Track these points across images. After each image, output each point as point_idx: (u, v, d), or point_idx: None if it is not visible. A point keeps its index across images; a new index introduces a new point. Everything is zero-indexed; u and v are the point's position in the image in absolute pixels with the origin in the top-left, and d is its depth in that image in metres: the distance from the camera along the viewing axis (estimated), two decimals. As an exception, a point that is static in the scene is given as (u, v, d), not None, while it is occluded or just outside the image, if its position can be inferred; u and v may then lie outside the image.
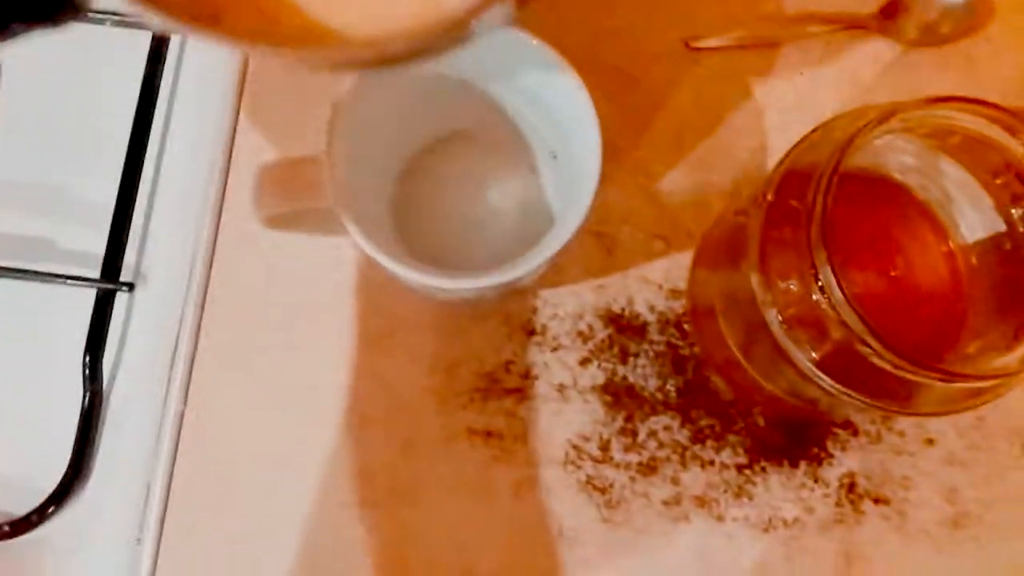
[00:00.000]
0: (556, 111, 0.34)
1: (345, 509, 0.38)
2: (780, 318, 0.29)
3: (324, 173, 0.31)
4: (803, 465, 0.39)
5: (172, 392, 0.39)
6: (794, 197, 0.29)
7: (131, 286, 0.41)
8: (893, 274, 0.35)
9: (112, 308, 0.41)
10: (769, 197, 0.29)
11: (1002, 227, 0.32)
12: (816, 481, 0.39)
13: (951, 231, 0.34)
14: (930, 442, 0.40)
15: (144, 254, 0.42)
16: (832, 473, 0.39)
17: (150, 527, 0.38)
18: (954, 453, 0.40)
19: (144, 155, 0.42)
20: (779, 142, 0.42)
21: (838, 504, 0.39)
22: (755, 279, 0.29)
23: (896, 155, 0.33)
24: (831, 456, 0.39)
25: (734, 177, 0.41)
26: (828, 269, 0.26)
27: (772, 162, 0.41)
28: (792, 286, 0.28)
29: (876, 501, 0.39)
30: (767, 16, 0.43)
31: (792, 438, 0.39)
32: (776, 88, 0.42)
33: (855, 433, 0.40)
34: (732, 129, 0.42)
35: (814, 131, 0.30)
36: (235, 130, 0.42)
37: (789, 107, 0.42)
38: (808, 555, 0.38)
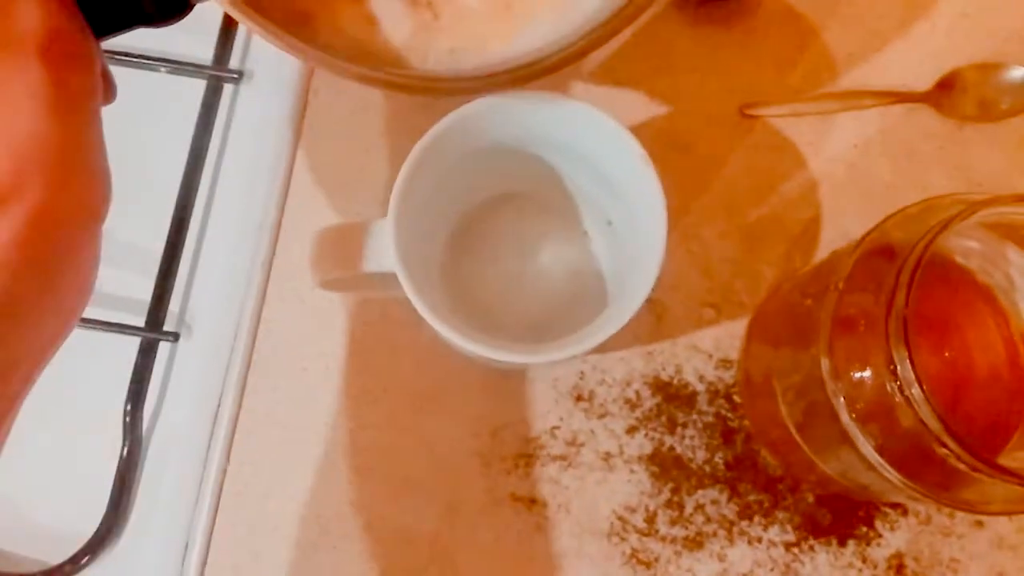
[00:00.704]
0: (616, 180, 0.34)
1: (385, 574, 0.38)
2: (848, 406, 0.28)
3: (386, 239, 0.31)
4: (851, 544, 0.39)
5: (215, 447, 0.39)
6: (869, 283, 0.28)
7: (176, 336, 0.41)
8: (948, 356, 0.34)
9: (155, 358, 0.41)
10: (840, 286, 0.28)
11: (1068, 317, 0.31)
12: (864, 561, 0.38)
13: (1012, 318, 0.34)
14: (980, 524, 0.39)
15: (189, 305, 0.42)
16: (880, 553, 0.39)
17: (187, 584, 0.38)
18: (1003, 537, 0.39)
19: (193, 205, 0.42)
20: (832, 214, 0.41)
21: (886, 585, 0.38)
22: (825, 365, 0.29)
23: (959, 239, 0.33)
24: (880, 536, 0.39)
25: (787, 248, 0.41)
26: (908, 365, 0.25)
27: (825, 234, 0.41)
28: (864, 375, 0.28)
29: (925, 584, 0.38)
30: (824, 88, 0.43)
31: (841, 516, 0.39)
32: (829, 160, 0.42)
33: (904, 513, 0.39)
34: (784, 199, 0.42)
35: (886, 220, 0.30)
36: (288, 187, 0.41)
37: (842, 179, 0.42)
38: (855, 638, 0.38)
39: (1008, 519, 0.39)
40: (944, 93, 0.42)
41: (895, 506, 0.39)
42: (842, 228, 0.41)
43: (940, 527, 0.39)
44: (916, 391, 0.25)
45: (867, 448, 0.28)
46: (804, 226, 0.41)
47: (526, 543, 0.38)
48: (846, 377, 0.29)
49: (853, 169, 0.42)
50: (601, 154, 0.34)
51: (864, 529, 0.39)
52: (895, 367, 0.26)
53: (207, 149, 0.43)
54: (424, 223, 0.35)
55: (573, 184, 0.38)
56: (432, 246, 0.38)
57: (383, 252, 0.31)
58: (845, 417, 0.28)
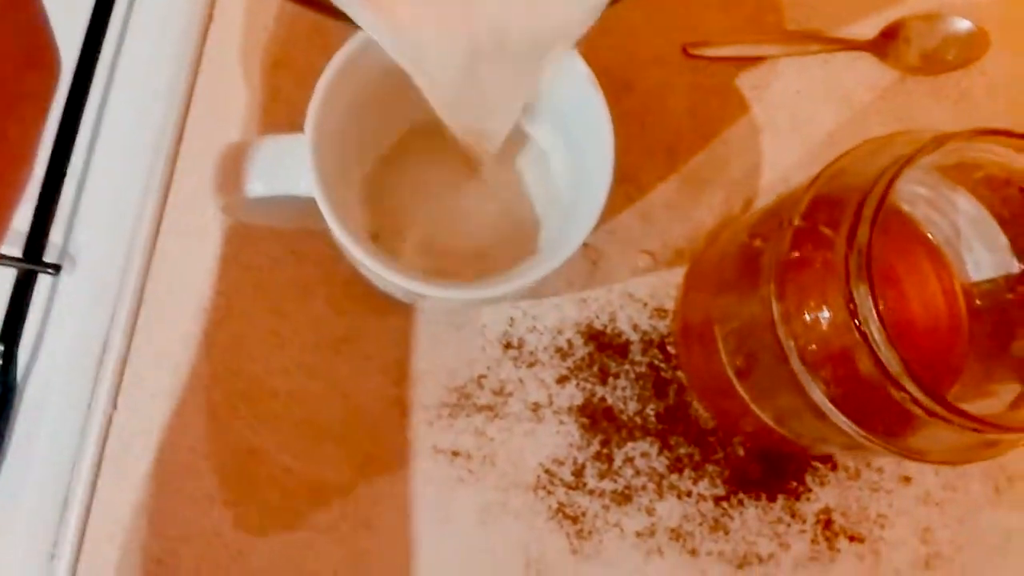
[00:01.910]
0: (556, 105, 0.31)
1: (293, 533, 0.34)
2: (799, 349, 0.27)
3: (303, 157, 0.27)
4: (780, 499, 0.38)
5: (99, 392, 0.35)
6: (823, 223, 0.27)
7: (57, 268, 0.36)
8: (888, 306, 0.33)
9: (33, 292, 0.36)
10: (796, 222, 0.27)
11: (1015, 268, 0.31)
12: (793, 516, 0.38)
13: (955, 269, 0.33)
14: (907, 480, 0.39)
15: (73, 235, 0.37)
16: (809, 508, 0.38)
17: (67, 542, 0.34)
18: (930, 492, 0.39)
19: (80, 121, 0.37)
20: (773, 161, 0.40)
21: (813, 541, 0.38)
22: (775, 307, 0.27)
23: (908, 185, 0.32)
24: (809, 490, 0.38)
25: (727, 195, 0.39)
26: (869, 302, 0.24)
27: (765, 181, 0.40)
28: (817, 316, 0.26)
29: (851, 539, 0.38)
30: (768, 30, 0.41)
31: (771, 470, 0.38)
32: (772, 105, 0.40)
33: (834, 468, 0.38)
34: (726, 144, 0.40)
35: (843, 156, 0.28)
36: (188, 106, 0.37)
37: (784, 126, 0.40)
38: (783, 593, 0.37)
39: (935, 474, 0.39)
40: (888, 42, 0.41)
41: (824, 461, 0.38)
42: (783, 175, 0.40)
43: (868, 482, 0.38)
44: (876, 329, 0.24)
45: (816, 393, 0.27)
46: (745, 172, 0.40)
47: (448, 497, 0.36)
48: (798, 319, 0.27)
49: (795, 116, 0.41)
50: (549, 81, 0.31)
51: (794, 484, 0.38)
52: (854, 305, 0.24)
53: (97, 57, 0.38)
54: (344, 147, 0.31)
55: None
56: (352, 174, 0.35)
57: (300, 172, 0.27)
58: (795, 362, 0.27)
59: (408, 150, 0.35)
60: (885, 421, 0.27)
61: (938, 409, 0.24)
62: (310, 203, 0.29)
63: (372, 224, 0.34)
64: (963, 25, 0.40)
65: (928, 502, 0.38)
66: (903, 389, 0.24)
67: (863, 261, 0.24)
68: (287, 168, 0.28)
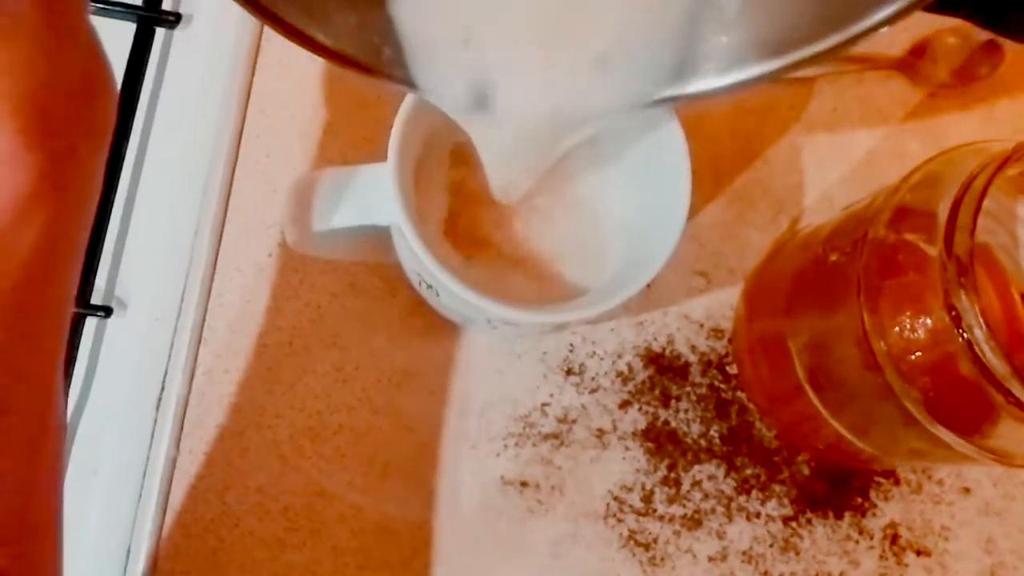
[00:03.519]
0: (639, 143, 0.31)
1: (364, 573, 0.33)
2: (891, 360, 0.27)
3: (385, 186, 0.27)
4: (847, 516, 0.37)
5: (159, 436, 0.34)
6: (909, 233, 0.27)
7: (107, 311, 0.35)
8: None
9: (80, 336, 0.35)
10: (881, 234, 0.27)
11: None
12: (860, 533, 0.37)
13: (1013, 276, 0.34)
14: (967, 491, 0.39)
15: (120, 277, 0.36)
16: (875, 524, 0.38)
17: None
18: (990, 503, 0.39)
19: (121, 165, 0.37)
20: (816, 179, 0.40)
21: (882, 557, 0.37)
22: (867, 319, 0.27)
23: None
24: (874, 506, 0.38)
25: (773, 214, 0.40)
26: (975, 310, 0.24)
27: (810, 199, 0.40)
28: (912, 326, 0.26)
29: (918, 553, 0.38)
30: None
31: (836, 488, 0.38)
32: (809, 125, 0.41)
33: (896, 482, 0.38)
34: (768, 164, 0.40)
35: (920, 168, 0.28)
36: (238, 144, 0.37)
37: (823, 145, 0.41)
38: (856, 612, 0.36)
39: (993, 485, 0.39)
40: (916, 60, 0.42)
41: (887, 475, 0.38)
42: (826, 192, 0.40)
43: (930, 495, 0.38)
44: (982, 335, 0.24)
45: (911, 401, 0.27)
46: (789, 191, 0.40)
47: (518, 529, 0.35)
48: (890, 330, 0.27)
49: (832, 135, 0.41)
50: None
51: (859, 500, 0.38)
52: (957, 312, 0.24)
53: (137, 101, 0.38)
54: (420, 174, 0.31)
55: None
56: (426, 203, 0.34)
57: (383, 201, 0.27)
58: (890, 372, 0.27)
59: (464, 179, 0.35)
60: (973, 426, 0.28)
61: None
62: (384, 233, 0.29)
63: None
64: (983, 38, 0.42)
65: (989, 512, 0.39)
66: (1008, 393, 0.24)
67: (963, 268, 0.24)
68: (369, 197, 0.27)
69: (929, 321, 0.26)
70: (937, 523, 0.38)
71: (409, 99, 0.28)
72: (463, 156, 0.32)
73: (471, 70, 0.22)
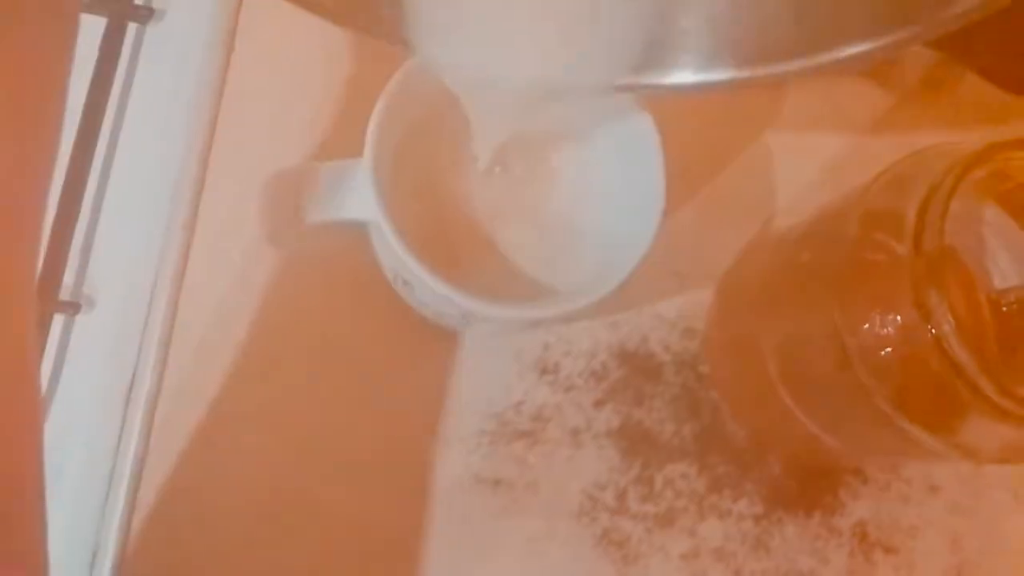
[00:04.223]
0: (613, 140, 0.32)
1: (337, 566, 0.33)
2: (861, 356, 0.27)
3: (363, 181, 0.27)
4: (817, 514, 0.38)
5: (128, 435, 0.33)
6: (880, 232, 0.27)
7: (75, 307, 0.35)
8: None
9: (47, 333, 0.35)
10: (852, 233, 0.27)
11: (1045, 275, 0.32)
12: (830, 531, 0.38)
13: (977, 278, 0.34)
14: (935, 489, 0.39)
15: (88, 274, 0.36)
16: (845, 522, 0.38)
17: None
18: (957, 502, 0.39)
19: (91, 161, 0.36)
20: (788, 181, 0.41)
21: (851, 555, 0.38)
22: (839, 317, 0.27)
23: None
24: (843, 504, 0.38)
25: (746, 215, 0.40)
26: (944, 307, 0.24)
27: (782, 201, 0.41)
28: (882, 323, 0.27)
29: (886, 551, 0.38)
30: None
31: (806, 486, 0.38)
32: (781, 127, 0.42)
33: (865, 481, 0.39)
34: (740, 166, 0.41)
35: (889, 169, 0.29)
36: (211, 137, 0.36)
37: (793, 149, 0.41)
38: (826, 610, 0.37)
39: (960, 483, 0.39)
40: (886, 65, 0.43)
41: (856, 473, 0.39)
42: (799, 195, 0.41)
43: (899, 494, 0.39)
44: (951, 331, 0.24)
45: (880, 398, 0.27)
46: (761, 192, 0.41)
47: (493, 527, 0.35)
48: (860, 327, 0.27)
49: (804, 137, 0.42)
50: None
51: (828, 498, 0.38)
52: (926, 309, 0.25)
53: (107, 98, 0.37)
54: (397, 170, 0.31)
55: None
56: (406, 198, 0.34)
57: (361, 196, 0.27)
58: (860, 369, 0.27)
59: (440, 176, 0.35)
60: (942, 423, 0.28)
61: (1010, 406, 0.24)
62: (360, 229, 0.29)
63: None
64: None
65: (956, 511, 0.39)
66: (977, 388, 0.25)
67: (932, 265, 0.25)
68: (346, 192, 0.27)
69: (899, 318, 0.26)
70: (905, 521, 0.39)
71: (386, 94, 0.28)
72: (441, 154, 0.32)
73: (466, 42, 0.22)
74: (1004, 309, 0.34)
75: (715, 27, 0.23)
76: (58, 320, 0.35)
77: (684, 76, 0.23)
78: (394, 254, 0.27)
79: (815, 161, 0.42)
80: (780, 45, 0.22)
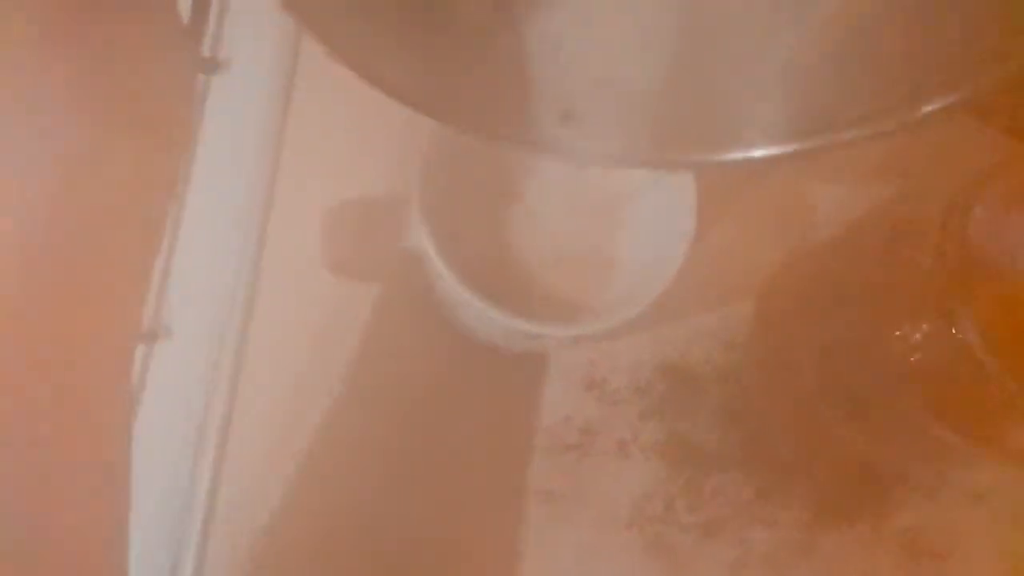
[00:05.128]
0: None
1: (397, 572, 0.35)
2: (897, 364, 0.28)
3: (414, 213, 0.29)
4: (864, 522, 0.39)
5: (202, 465, 0.36)
6: (909, 249, 0.29)
7: (152, 337, 0.38)
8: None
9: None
10: (881, 245, 0.29)
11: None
12: (878, 538, 0.38)
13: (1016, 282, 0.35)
14: (980, 497, 0.40)
15: (164, 303, 0.39)
16: (892, 529, 0.39)
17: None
18: (1005, 509, 0.40)
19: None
20: (822, 196, 0.42)
21: (899, 562, 0.38)
22: (868, 326, 0.29)
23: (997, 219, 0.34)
24: (890, 512, 0.39)
25: (783, 229, 0.41)
26: (968, 312, 0.25)
27: (818, 215, 0.42)
28: (915, 333, 0.28)
29: (935, 558, 0.39)
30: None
31: (853, 494, 0.39)
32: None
33: (912, 488, 0.39)
34: (777, 181, 0.42)
35: (912, 184, 0.30)
36: (274, 176, 0.39)
37: (831, 162, 0.43)
38: (876, 616, 0.38)
39: (1007, 491, 0.40)
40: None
41: (903, 481, 0.39)
42: (834, 207, 0.42)
43: (947, 501, 0.39)
44: (972, 332, 0.25)
45: (915, 405, 0.28)
46: (795, 207, 0.42)
47: (545, 539, 0.36)
48: (891, 335, 0.29)
49: (842, 152, 0.43)
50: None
51: (875, 506, 0.39)
52: (953, 314, 0.26)
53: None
54: (451, 203, 0.33)
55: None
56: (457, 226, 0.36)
57: (414, 227, 0.29)
58: (893, 377, 0.28)
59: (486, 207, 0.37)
60: (978, 426, 0.29)
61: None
62: (422, 257, 0.31)
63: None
64: None
65: (1004, 518, 0.39)
66: (1006, 390, 0.26)
67: (955, 274, 0.26)
68: (401, 223, 0.29)
69: (926, 326, 0.27)
70: (953, 529, 0.39)
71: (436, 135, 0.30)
72: (487, 186, 0.34)
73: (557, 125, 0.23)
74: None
75: (784, 105, 0.24)
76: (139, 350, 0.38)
77: (755, 151, 0.24)
78: (443, 280, 0.29)
79: (853, 174, 0.43)
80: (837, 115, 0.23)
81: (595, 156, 0.23)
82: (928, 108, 0.21)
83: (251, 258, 0.38)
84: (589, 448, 0.38)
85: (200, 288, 0.38)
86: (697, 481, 0.38)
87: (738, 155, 0.24)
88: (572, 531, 0.37)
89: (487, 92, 0.22)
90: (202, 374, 0.37)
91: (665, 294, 0.39)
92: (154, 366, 0.38)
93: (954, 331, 0.26)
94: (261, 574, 0.35)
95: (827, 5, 0.22)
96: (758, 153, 0.24)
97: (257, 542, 0.35)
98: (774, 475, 0.38)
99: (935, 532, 0.39)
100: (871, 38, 0.21)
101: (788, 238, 0.41)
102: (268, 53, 0.41)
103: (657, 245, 0.33)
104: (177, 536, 0.35)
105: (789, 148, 0.24)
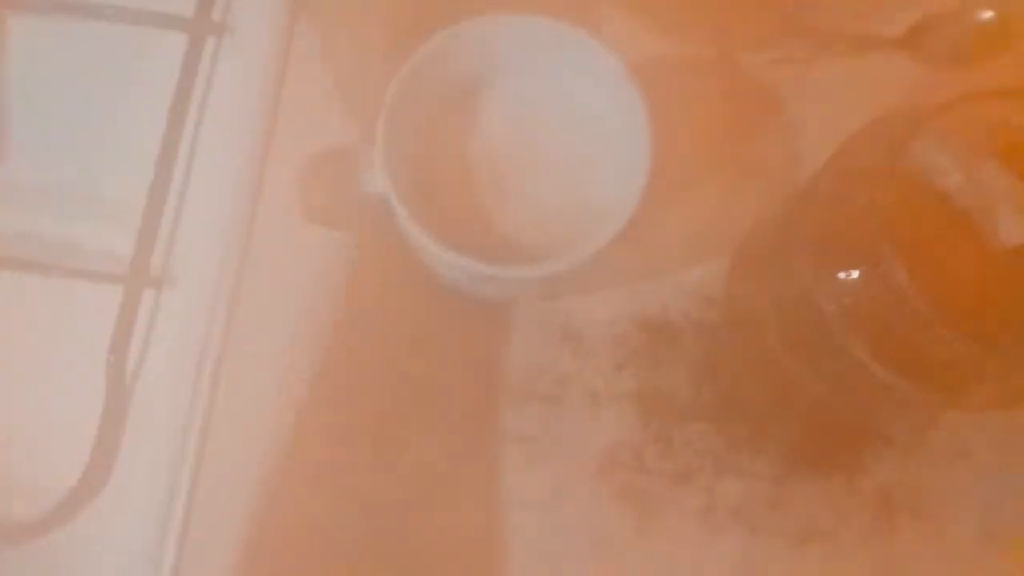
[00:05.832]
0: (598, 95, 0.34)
1: (379, 510, 0.37)
2: (837, 310, 0.29)
3: (376, 161, 0.31)
4: (838, 476, 0.39)
5: (198, 399, 0.38)
6: (848, 192, 0.29)
7: (159, 283, 0.40)
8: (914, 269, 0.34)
9: (138, 307, 0.40)
10: (822, 192, 0.29)
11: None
12: (851, 492, 0.39)
13: (987, 235, 0.35)
14: (963, 454, 0.39)
15: (173, 254, 0.41)
16: (867, 484, 0.39)
17: (170, 538, 0.37)
18: (988, 467, 0.39)
19: (178, 150, 0.42)
20: (813, 156, 0.42)
21: (874, 517, 0.39)
22: (810, 273, 0.29)
23: (937, 156, 0.34)
24: (866, 467, 0.39)
25: (769, 188, 0.41)
26: (893, 258, 0.26)
27: (805, 176, 0.42)
28: (850, 277, 0.28)
29: (912, 515, 0.39)
30: (800, 31, 0.43)
31: (826, 448, 0.39)
32: (807, 101, 0.43)
33: (889, 443, 0.39)
34: (764, 141, 0.42)
35: (861, 131, 0.30)
36: (274, 122, 0.41)
37: (818, 123, 0.42)
38: (844, 565, 0.38)
39: (990, 447, 0.39)
40: (917, 38, 0.43)
41: (879, 436, 0.39)
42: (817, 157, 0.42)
43: (926, 458, 0.39)
44: (901, 276, 0.26)
45: (858, 350, 0.29)
46: (783, 167, 0.42)
47: (521, 480, 0.38)
48: (833, 281, 0.29)
49: (831, 110, 0.43)
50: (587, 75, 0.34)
51: (850, 460, 0.39)
52: (879, 258, 0.26)
53: (189, 104, 0.43)
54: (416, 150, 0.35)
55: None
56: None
57: (373, 174, 0.31)
58: (834, 323, 0.29)
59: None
60: (921, 371, 0.29)
61: (968, 343, 0.26)
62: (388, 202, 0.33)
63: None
64: (987, 16, 0.42)
65: (987, 476, 0.39)
66: (938, 336, 0.26)
67: (887, 218, 0.26)
68: (362, 171, 0.31)
69: (858, 272, 0.28)
70: (931, 486, 0.39)
71: (398, 80, 0.32)
72: (449, 134, 0.35)
73: None
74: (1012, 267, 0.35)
75: None
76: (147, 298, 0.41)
77: None
78: (406, 225, 0.31)
79: (841, 132, 0.42)
80: None
81: None
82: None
83: (246, 211, 0.40)
84: (564, 397, 0.39)
85: (203, 240, 0.41)
86: (668, 431, 0.39)
87: None
88: (546, 476, 0.38)
89: None
90: (200, 320, 0.40)
91: (646, 248, 0.40)
92: (162, 311, 0.41)
93: (882, 272, 0.26)
94: (249, 509, 0.38)
95: None
96: None
97: (247, 474, 0.38)
98: (747, 428, 0.39)
99: (914, 489, 0.39)
100: None
101: (776, 195, 0.41)
102: (269, 21, 0.43)
103: (617, 187, 0.34)
104: (176, 453, 0.38)
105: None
